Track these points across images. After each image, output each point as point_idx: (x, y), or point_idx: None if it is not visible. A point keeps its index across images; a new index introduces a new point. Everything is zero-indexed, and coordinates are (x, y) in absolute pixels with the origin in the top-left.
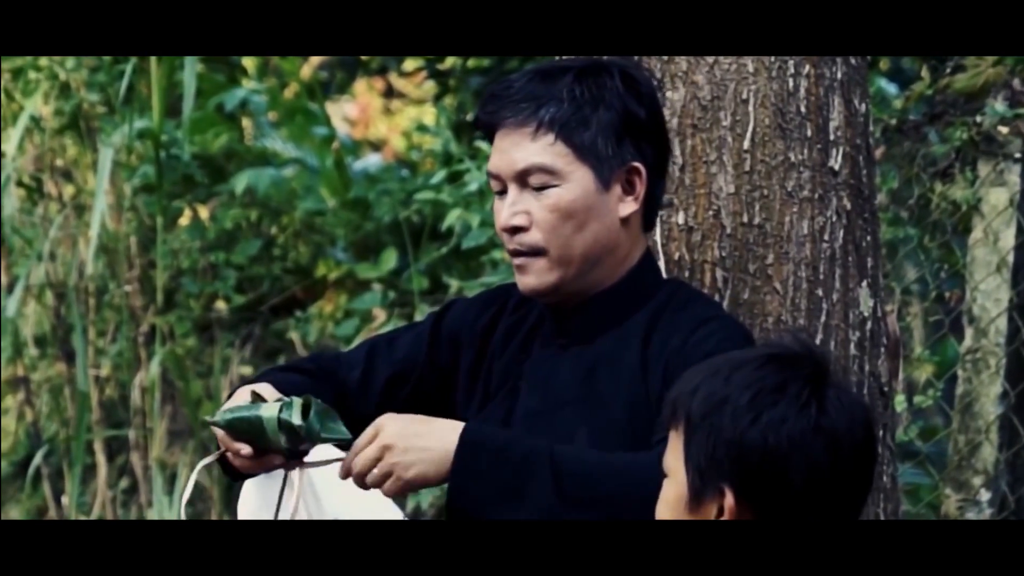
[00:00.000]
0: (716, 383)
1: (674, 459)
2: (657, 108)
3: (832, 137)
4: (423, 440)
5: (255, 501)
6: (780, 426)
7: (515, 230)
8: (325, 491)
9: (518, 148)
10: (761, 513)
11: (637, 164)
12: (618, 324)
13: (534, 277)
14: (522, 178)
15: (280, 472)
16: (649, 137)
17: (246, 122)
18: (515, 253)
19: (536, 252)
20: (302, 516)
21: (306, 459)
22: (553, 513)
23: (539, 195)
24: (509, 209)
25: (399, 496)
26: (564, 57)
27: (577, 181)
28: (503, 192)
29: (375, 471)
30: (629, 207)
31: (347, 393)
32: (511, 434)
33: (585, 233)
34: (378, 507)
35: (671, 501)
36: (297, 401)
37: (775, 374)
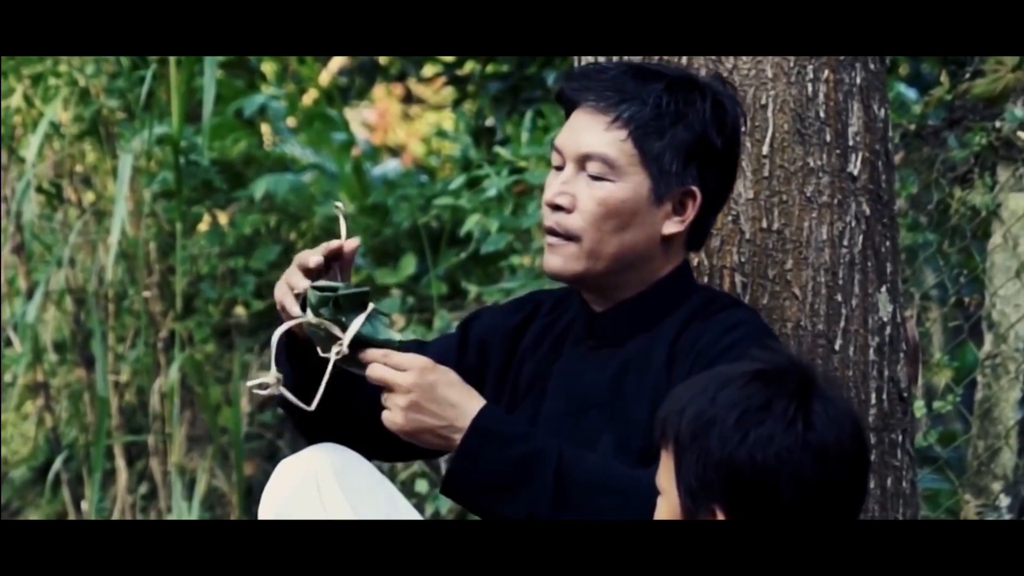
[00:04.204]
0: (703, 403)
1: (666, 479)
2: (735, 142)
3: (851, 142)
4: (445, 411)
5: (277, 503)
6: (768, 444)
7: (557, 208)
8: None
9: (589, 132)
10: None
11: (694, 188)
12: (648, 328)
13: (560, 260)
14: (582, 161)
15: (303, 486)
16: (717, 167)
17: (265, 128)
18: (550, 231)
19: (570, 237)
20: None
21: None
22: (542, 515)
23: (592, 183)
24: (559, 187)
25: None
26: (657, 59)
27: (633, 184)
28: (560, 168)
29: (393, 397)
30: (674, 227)
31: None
32: (523, 429)
33: (624, 236)
34: (393, 498)
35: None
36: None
37: (761, 391)
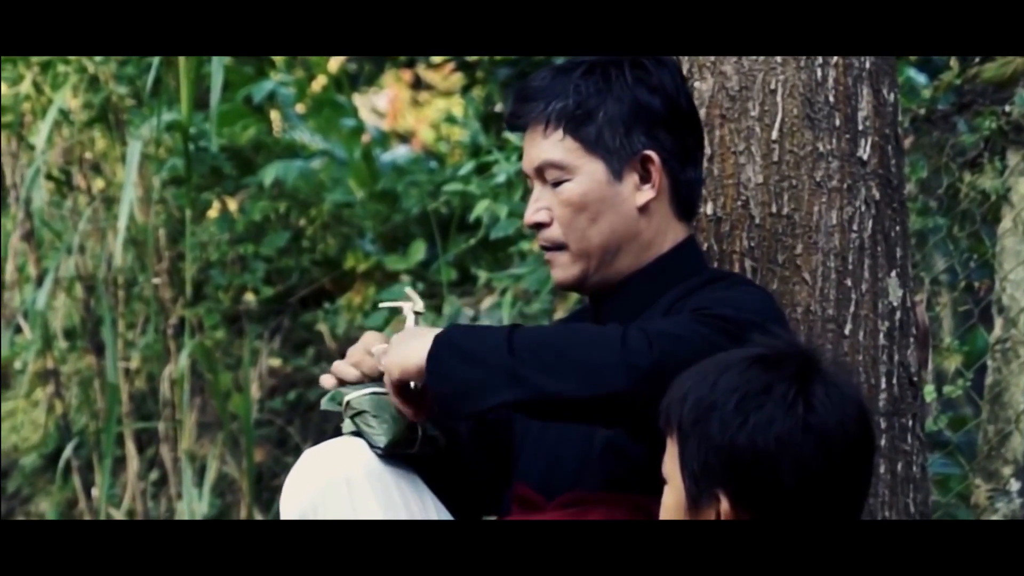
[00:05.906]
0: (703, 388)
1: (671, 465)
2: (674, 97)
3: (861, 127)
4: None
5: (304, 499)
6: (768, 428)
7: (538, 226)
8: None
9: (534, 145)
10: (758, 516)
11: (649, 152)
12: (648, 305)
13: (560, 271)
14: (540, 174)
15: (332, 485)
16: (666, 125)
17: (274, 114)
18: (543, 248)
19: (558, 246)
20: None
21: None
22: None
23: (555, 191)
24: (532, 206)
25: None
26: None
27: (588, 174)
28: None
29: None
30: (646, 195)
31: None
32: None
33: (601, 224)
34: (426, 502)
35: (671, 507)
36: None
37: (761, 376)
